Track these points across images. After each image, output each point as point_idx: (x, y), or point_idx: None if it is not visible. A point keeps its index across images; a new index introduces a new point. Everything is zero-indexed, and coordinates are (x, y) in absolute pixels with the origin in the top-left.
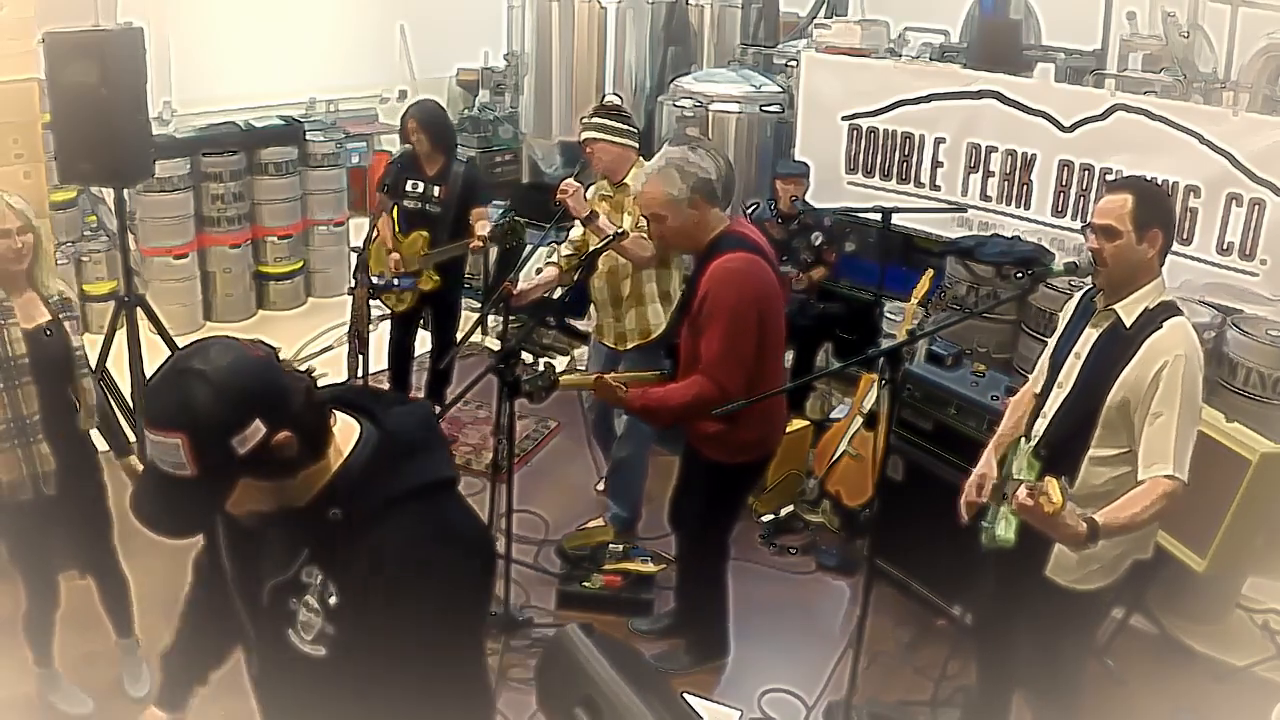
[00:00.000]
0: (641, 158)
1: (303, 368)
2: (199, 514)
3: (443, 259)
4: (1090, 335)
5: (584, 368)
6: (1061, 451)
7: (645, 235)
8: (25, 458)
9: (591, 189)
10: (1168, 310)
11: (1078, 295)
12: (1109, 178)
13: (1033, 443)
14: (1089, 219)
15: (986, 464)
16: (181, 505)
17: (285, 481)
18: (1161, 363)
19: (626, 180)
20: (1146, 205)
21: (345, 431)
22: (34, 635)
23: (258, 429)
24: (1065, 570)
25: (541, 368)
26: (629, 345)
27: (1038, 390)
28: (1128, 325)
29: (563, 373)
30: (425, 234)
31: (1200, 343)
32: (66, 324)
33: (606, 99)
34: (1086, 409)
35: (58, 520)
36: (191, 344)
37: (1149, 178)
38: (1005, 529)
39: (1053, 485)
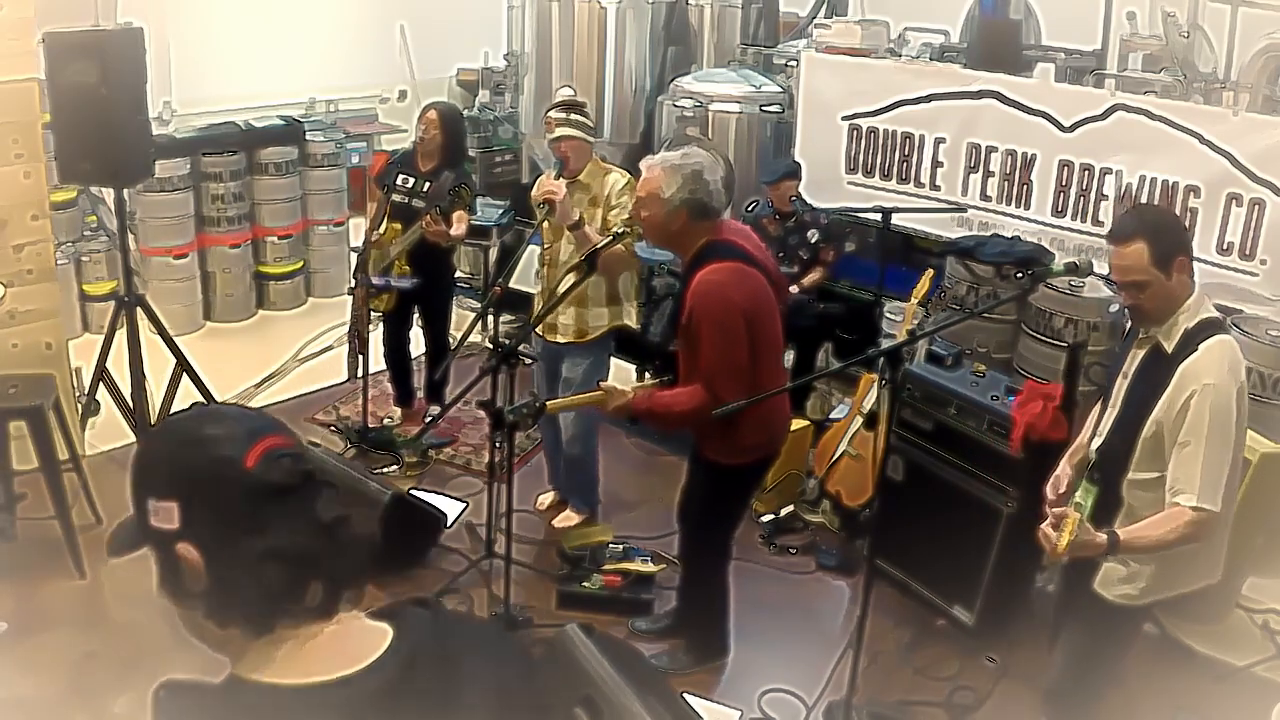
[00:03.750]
0: (598, 156)
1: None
2: (122, 544)
3: (407, 245)
4: (1135, 356)
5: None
6: (1111, 474)
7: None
8: None
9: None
10: (1207, 329)
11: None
12: (1107, 189)
13: (1089, 465)
14: (1110, 275)
15: (1063, 469)
16: (124, 524)
17: (192, 613)
18: (1190, 391)
19: (581, 177)
20: (1162, 242)
21: (354, 645)
22: None
23: (168, 512)
24: (1109, 584)
25: (526, 397)
26: (561, 340)
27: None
28: (1169, 351)
29: (547, 398)
30: (399, 226)
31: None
32: None
33: (563, 93)
34: (1129, 432)
35: None
36: (249, 409)
37: (1152, 176)
38: (1059, 540)
39: (1068, 526)
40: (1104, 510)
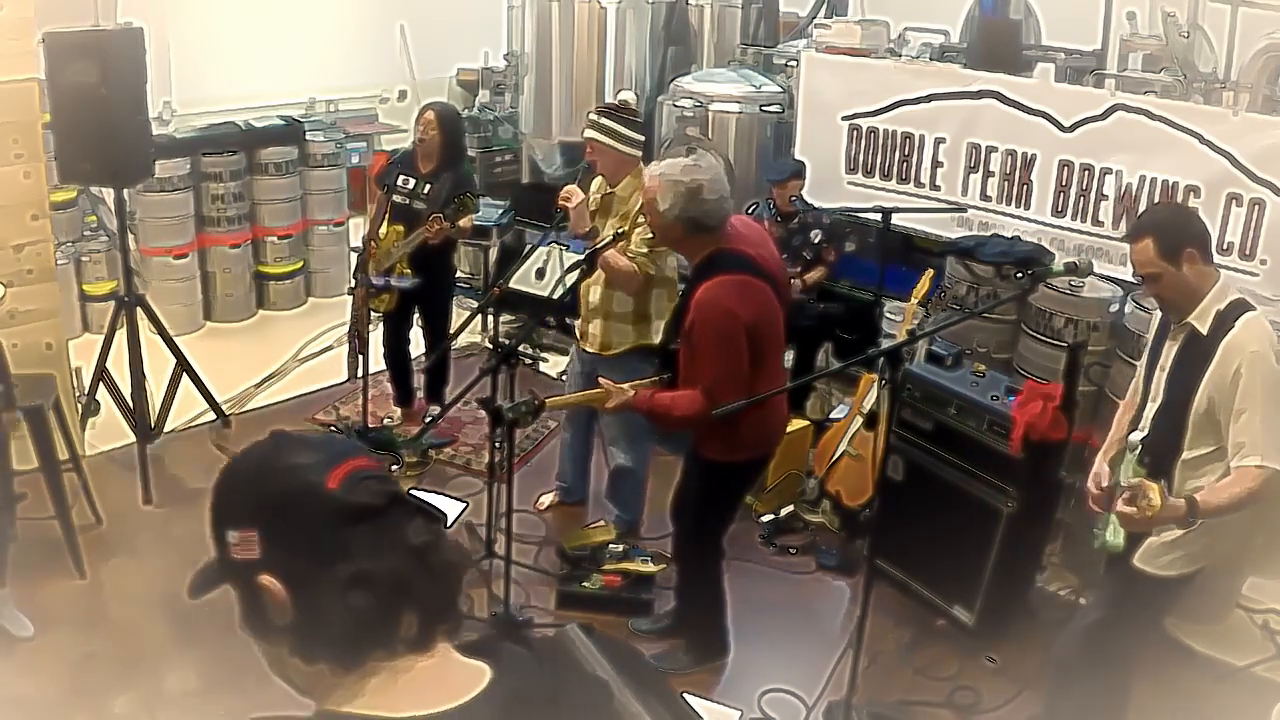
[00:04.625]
0: (642, 164)
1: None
2: (203, 583)
3: (408, 249)
4: (1171, 348)
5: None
6: (1161, 457)
7: (634, 255)
8: None
9: (595, 182)
10: (1238, 309)
11: (1159, 313)
12: (1107, 189)
13: (1135, 452)
14: (1133, 273)
15: (1100, 465)
16: (204, 565)
17: (278, 650)
18: (1238, 362)
19: (617, 190)
20: (1167, 237)
21: (453, 681)
22: None
23: (249, 542)
24: (1150, 558)
25: (525, 395)
26: (589, 350)
27: (1137, 403)
28: (1204, 333)
29: (549, 395)
30: (400, 228)
31: None
32: None
33: (620, 96)
34: (1177, 416)
35: None
36: (331, 435)
37: (1152, 176)
38: (1114, 534)
39: (1153, 489)
40: None
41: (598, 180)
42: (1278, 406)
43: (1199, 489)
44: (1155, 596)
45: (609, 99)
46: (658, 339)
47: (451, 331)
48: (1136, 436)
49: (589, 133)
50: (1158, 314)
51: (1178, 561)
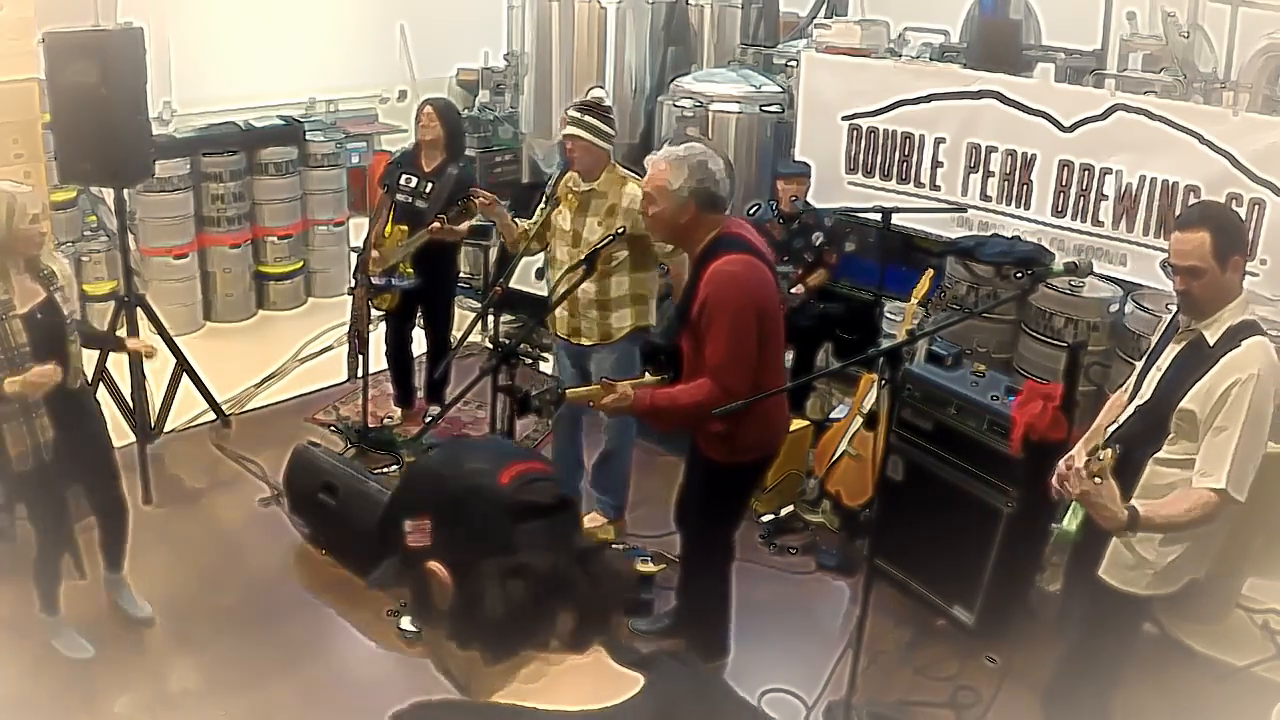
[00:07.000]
0: (615, 163)
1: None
2: (382, 576)
3: (412, 249)
4: (1172, 350)
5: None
6: (1131, 452)
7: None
8: (29, 431)
9: (569, 178)
10: (1249, 329)
11: (1168, 316)
12: (1107, 189)
13: (1104, 440)
14: (1169, 260)
15: (1077, 451)
16: (379, 550)
17: (436, 634)
18: (1234, 379)
19: (596, 185)
20: (1223, 236)
21: (606, 684)
22: (42, 584)
23: (422, 530)
24: (1116, 569)
25: (547, 384)
26: (586, 342)
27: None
28: (1210, 343)
29: (567, 385)
30: (405, 228)
31: None
32: (56, 295)
33: (592, 94)
34: (1158, 414)
35: (63, 475)
36: (507, 441)
37: (1152, 177)
38: (1069, 520)
39: (1106, 452)
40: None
41: (571, 176)
42: (1257, 437)
43: (1169, 487)
44: (1125, 615)
45: (608, 99)
46: (650, 320)
47: (457, 336)
48: (1112, 428)
49: (571, 129)
50: (1166, 317)
51: (1145, 579)
